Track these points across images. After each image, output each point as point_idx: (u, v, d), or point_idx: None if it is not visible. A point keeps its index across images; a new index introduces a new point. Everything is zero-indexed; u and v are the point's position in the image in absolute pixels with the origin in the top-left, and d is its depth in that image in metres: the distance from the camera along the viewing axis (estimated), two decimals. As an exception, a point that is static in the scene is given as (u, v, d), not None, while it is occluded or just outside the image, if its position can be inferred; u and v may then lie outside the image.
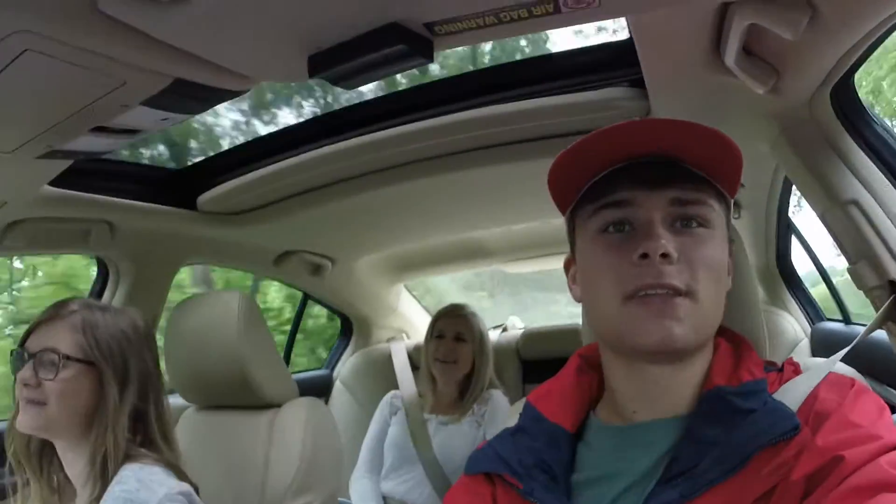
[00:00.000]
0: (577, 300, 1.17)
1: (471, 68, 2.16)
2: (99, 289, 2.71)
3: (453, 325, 3.22)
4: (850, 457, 0.87)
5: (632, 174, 1.05)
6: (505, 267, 4.53)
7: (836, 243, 1.72)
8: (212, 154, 2.58)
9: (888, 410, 0.98)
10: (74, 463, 1.62)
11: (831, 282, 3.12)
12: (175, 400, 2.27)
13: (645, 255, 0.99)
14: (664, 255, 0.98)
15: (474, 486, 1.19)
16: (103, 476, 1.54)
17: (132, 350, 1.65)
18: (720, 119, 1.78)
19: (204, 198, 2.53)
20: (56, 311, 1.64)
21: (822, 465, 0.89)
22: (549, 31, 1.36)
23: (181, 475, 1.62)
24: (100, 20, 1.10)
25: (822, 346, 3.00)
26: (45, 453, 1.67)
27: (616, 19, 1.37)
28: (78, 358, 1.58)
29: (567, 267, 1.22)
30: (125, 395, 1.60)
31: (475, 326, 3.24)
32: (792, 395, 1.01)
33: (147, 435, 1.64)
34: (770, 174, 2.40)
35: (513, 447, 1.17)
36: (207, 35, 1.19)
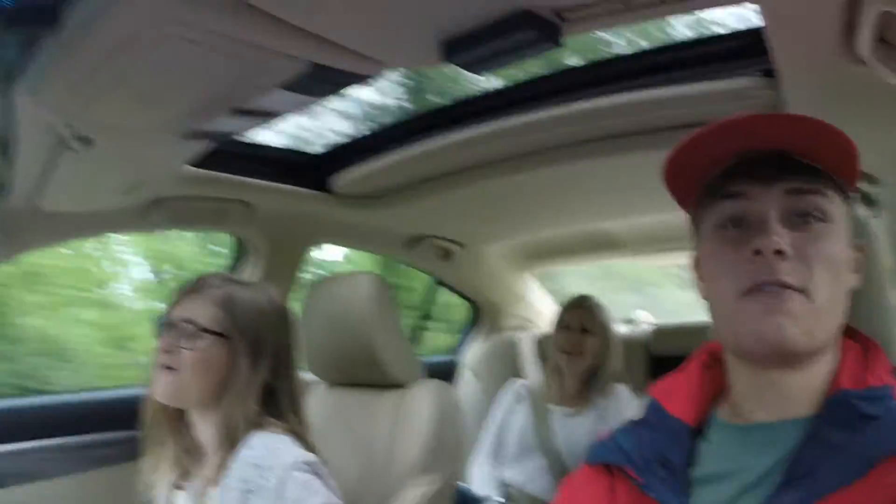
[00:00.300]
0: (704, 298, 1.14)
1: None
2: (234, 266, 2.81)
3: (579, 316, 3.18)
4: None
5: (747, 168, 1.04)
6: (635, 259, 4.48)
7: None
8: (345, 140, 2.62)
9: None
10: (205, 430, 1.68)
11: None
12: (307, 376, 2.35)
13: (758, 252, 0.97)
14: (778, 252, 0.96)
15: (594, 475, 1.19)
16: (232, 443, 1.59)
17: (268, 326, 1.70)
18: (855, 111, 1.73)
19: (337, 180, 2.58)
20: (199, 284, 1.70)
21: None
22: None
23: (309, 446, 1.66)
24: (239, 7, 1.14)
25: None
26: (178, 419, 1.73)
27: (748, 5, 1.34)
28: (214, 331, 1.63)
29: (695, 265, 1.20)
30: (257, 370, 1.65)
31: (600, 318, 3.21)
32: None
33: (277, 408, 1.68)
34: None
35: (635, 439, 1.16)
36: (342, 20, 1.22)
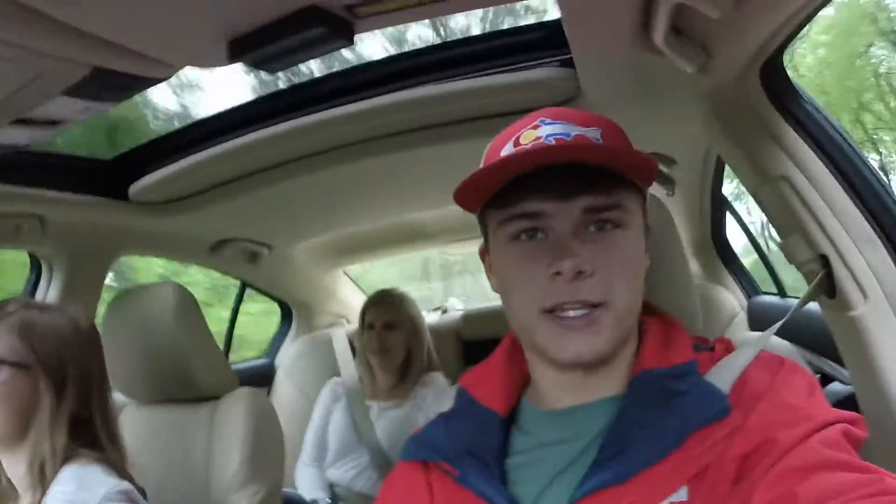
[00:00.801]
0: (496, 291, 1.16)
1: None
2: (32, 286, 2.66)
3: (382, 313, 3.22)
4: (783, 438, 0.88)
5: (540, 184, 1.04)
6: (444, 249, 4.53)
7: (769, 219, 1.74)
8: (141, 143, 2.53)
9: (819, 387, 1.00)
10: (14, 468, 1.59)
11: (766, 256, 3.17)
12: (116, 396, 2.25)
13: (559, 273, 0.99)
14: (579, 272, 0.99)
15: (411, 472, 1.20)
16: (42, 480, 1.51)
17: (71, 353, 1.61)
18: (652, 98, 1.79)
19: (136, 187, 2.48)
20: None
21: (755, 446, 0.90)
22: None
23: (123, 473, 1.60)
24: (13, 9, 1.07)
25: (759, 318, 3.05)
26: None
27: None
28: (13, 362, 1.54)
29: (482, 255, 1.22)
30: (63, 401, 1.57)
31: (405, 311, 3.25)
32: (723, 375, 1.02)
33: (90, 437, 1.61)
34: (703, 152, 2.42)
35: (446, 432, 1.18)
36: (125, 21, 1.17)
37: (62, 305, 1.77)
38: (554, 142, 1.04)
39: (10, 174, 2.12)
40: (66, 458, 1.54)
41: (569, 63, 1.76)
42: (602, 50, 1.59)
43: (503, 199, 1.08)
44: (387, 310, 3.23)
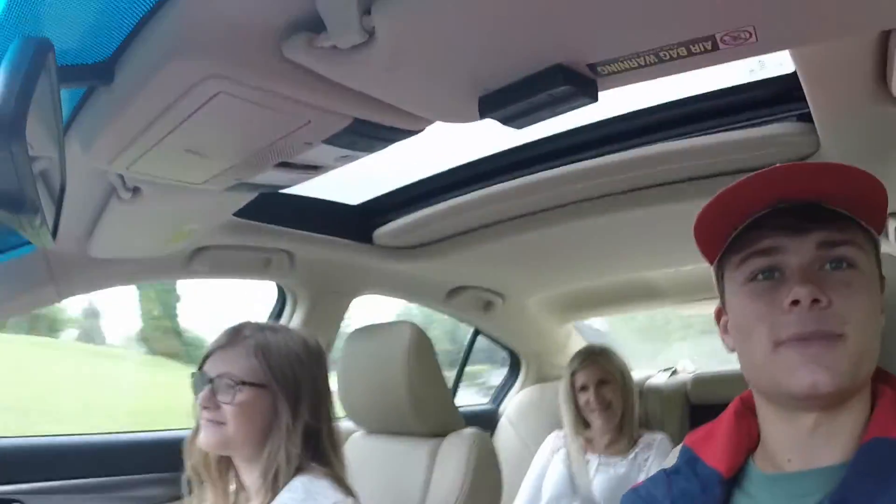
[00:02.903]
0: (730, 350, 1.16)
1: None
2: (277, 314, 2.85)
3: (592, 373, 3.19)
4: None
5: (776, 220, 1.05)
6: (678, 309, 4.45)
7: None
8: (387, 191, 2.66)
9: None
10: (249, 474, 1.72)
11: None
12: (345, 424, 2.36)
13: (796, 302, 0.98)
14: (815, 301, 0.98)
15: None
16: (274, 486, 1.63)
17: (304, 370, 1.73)
18: (890, 151, 1.72)
19: (380, 232, 2.61)
20: (232, 337, 1.74)
21: None
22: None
23: (347, 490, 1.69)
24: (285, 65, 1.17)
25: None
26: (222, 464, 1.78)
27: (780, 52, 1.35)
28: (252, 382, 1.67)
29: (718, 316, 1.21)
30: (298, 414, 1.68)
31: (613, 366, 3.22)
32: None
33: (319, 449, 1.72)
34: None
35: (667, 489, 1.18)
36: (385, 79, 1.24)
37: (292, 328, 1.88)
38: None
39: (266, 212, 2.30)
40: (298, 469, 1.65)
41: (806, 118, 1.74)
42: (840, 102, 1.56)
43: (740, 242, 1.09)
44: (597, 367, 3.20)
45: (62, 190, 1.27)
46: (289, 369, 1.70)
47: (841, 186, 1.02)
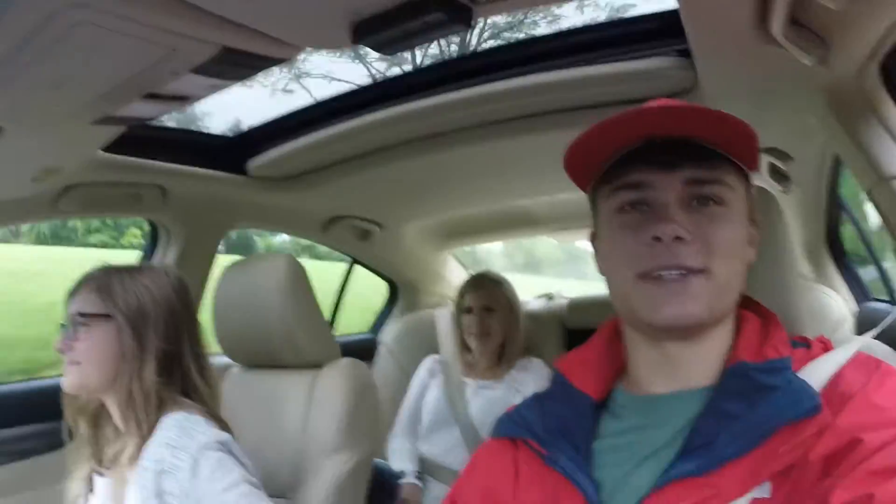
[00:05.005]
0: (602, 273, 1.18)
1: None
2: (150, 251, 2.79)
3: (480, 297, 3.23)
4: (869, 440, 0.88)
5: (646, 156, 1.07)
6: (553, 237, 4.52)
7: (884, 220, 1.70)
8: (262, 122, 2.61)
9: None
10: (115, 413, 1.71)
11: (879, 261, 3.08)
12: (222, 359, 2.34)
13: (657, 238, 1.01)
14: (678, 238, 1.01)
15: (499, 448, 1.23)
16: (139, 422, 1.63)
17: (150, 296, 1.72)
18: (768, 90, 1.78)
19: (254, 163, 2.58)
20: (81, 281, 1.74)
21: (841, 446, 0.90)
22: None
23: (223, 425, 1.70)
24: None
25: (868, 325, 2.94)
26: (97, 408, 1.77)
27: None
28: (93, 313, 1.67)
29: (592, 240, 1.23)
30: (146, 340, 1.68)
31: (503, 295, 3.26)
32: (817, 373, 1.01)
33: (187, 382, 1.73)
34: (820, 149, 2.38)
35: (539, 413, 1.20)
36: (253, 4, 1.22)
37: (145, 263, 1.86)
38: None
39: (135, 146, 2.25)
40: (168, 404, 1.66)
41: (685, 53, 1.77)
42: (720, 40, 1.58)
43: (611, 174, 1.11)
44: (485, 293, 3.24)
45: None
46: (132, 298, 1.70)
47: (711, 127, 1.04)
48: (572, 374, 1.20)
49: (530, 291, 4.47)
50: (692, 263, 1.01)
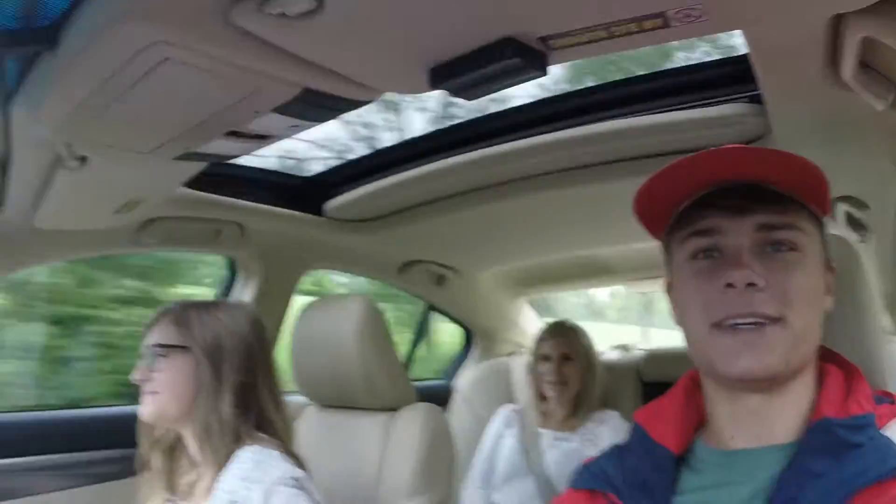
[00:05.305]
0: (677, 324, 1.16)
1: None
2: (227, 288, 2.84)
3: (559, 345, 3.18)
4: None
5: (718, 201, 1.06)
6: (630, 286, 4.48)
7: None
8: (339, 164, 2.64)
9: None
10: (191, 444, 1.73)
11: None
12: (298, 398, 2.37)
13: (730, 285, 1.00)
14: (750, 284, 0.99)
15: (578, 500, 1.20)
16: (215, 453, 1.65)
17: (226, 330, 1.75)
18: (841, 136, 1.75)
19: (331, 205, 2.61)
20: (159, 313, 1.79)
21: None
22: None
23: (298, 462, 1.70)
24: (233, 32, 1.16)
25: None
26: (173, 439, 1.80)
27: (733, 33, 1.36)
28: (172, 344, 1.71)
29: (667, 290, 1.21)
30: (222, 372, 1.70)
31: (581, 344, 3.21)
32: None
33: (261, 412, 1.74)
34: None
35: (619, 465, 1.18)
36: (334, 48, 1.24)
37: (223, 300, 1.89)
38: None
39: (216, 184, 2.30)
40: (242, 438, 1.67)
41: (757, 100, 1.75)
42: (791, 86, 1.56)
43: (683, 220, 1.10)
44: (564, 341, 3.19)
45: (7, 160, 1.25)
46: (209, 331, 1.73)
47: (783, 171, 1.03)
48: (651, 427, 1.18)
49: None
50: (767, 311, 0.99)
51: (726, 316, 1.00)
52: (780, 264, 1.02)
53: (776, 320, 0.99)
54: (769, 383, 1.02)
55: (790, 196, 1.05)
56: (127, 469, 1.88)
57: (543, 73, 1.28)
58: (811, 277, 1.04)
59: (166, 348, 1.70)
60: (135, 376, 1.71)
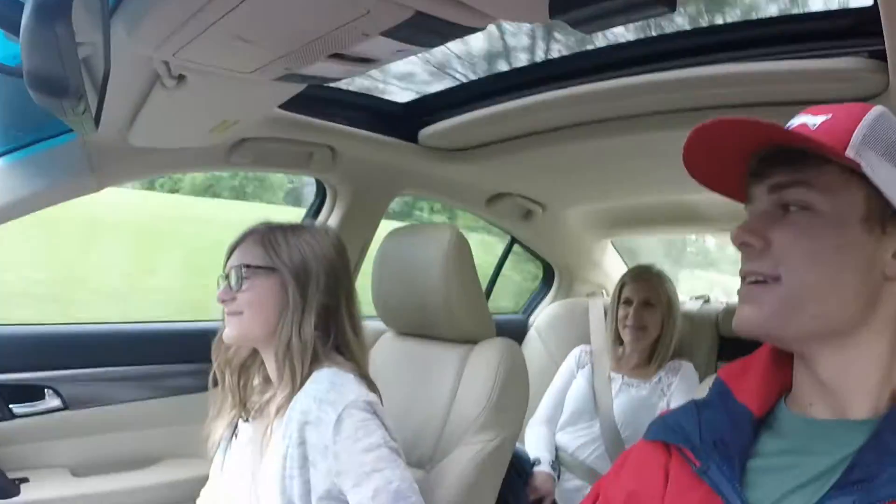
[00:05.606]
0: None
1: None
2: (316, 210, 2.85)
3: (641, 290, 3.18)
4: None
5: (753, 168, 1.09)
6: (718, 236, 4.39)
7: None
8: (435, 91, 2.61)
9: None
10: (270, 363, 1.77)
11: None
12: (375, 324, 2.38)
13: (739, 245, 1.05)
14: (744, 244, 1.03)
15: (652, 451, 1.20)
16: (294, 373, 1.68)
17: (313, 252, 1.78)
18: None
19: (425, 132, 2.59)
20: (244, 234, 1.82)
21: None
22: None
23: (371, 386, 1.73)
24: None
25: None
26: (250, 356, 1.86)
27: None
28: (258, 265, 1.73)
29: None
30: (308, 294, 1.73)
31: (663, 290, 3.19)
32: None
33: (341, 334, 1.78)
34: None
35: (696, 421, 1.16)
36: None
37: (306, 222, 1.90)
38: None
39: (310, 106, 2.29)
40: (321, 359, 1.71)
41: (879, 55, 1.66)
42: None
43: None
44: (647, 286, 3.19)
45: (106, 77, 1.24)
46: (296, 252, 1.76)
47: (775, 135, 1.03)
48: (735, 386, 1.17)
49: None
50: (761, 269, 1.02)
51: (742, 274, 1.05)
52: (786, 225, 1.02)
53: (774, 279, 1.01)
54: (778, 342, 1.09)
55: (813, 154, 1.01)
56: (203, 384, 1.91)
57: (672, 9, 1.21)
58: (819, 236, 1.00)
59: (253, 269, 1.73)
60: (218, 296, 1.74)
